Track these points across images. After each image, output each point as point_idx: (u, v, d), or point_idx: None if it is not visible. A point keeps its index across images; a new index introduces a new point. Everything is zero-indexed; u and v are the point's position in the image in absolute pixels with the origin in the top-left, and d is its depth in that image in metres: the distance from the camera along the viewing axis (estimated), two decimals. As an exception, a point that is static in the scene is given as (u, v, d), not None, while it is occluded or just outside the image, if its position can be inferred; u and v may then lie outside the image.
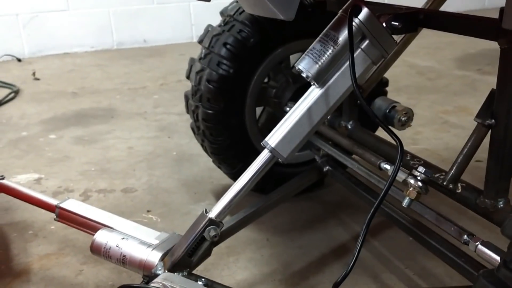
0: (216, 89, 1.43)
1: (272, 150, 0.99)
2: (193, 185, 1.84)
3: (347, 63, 0.93)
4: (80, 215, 1.15)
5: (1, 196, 1.59)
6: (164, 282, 0.93)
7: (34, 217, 1.60)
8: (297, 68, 0.96)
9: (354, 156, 1.35)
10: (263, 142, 1.02)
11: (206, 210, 1.03)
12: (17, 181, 1.87)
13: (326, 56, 0.93)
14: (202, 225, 1.00)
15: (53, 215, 1.19)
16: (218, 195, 1.76)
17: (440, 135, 2.24)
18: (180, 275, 0.99)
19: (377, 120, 0.86)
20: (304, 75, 0.95)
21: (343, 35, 0.93)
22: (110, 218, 1.15)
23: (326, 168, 1.44)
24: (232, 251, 1.42)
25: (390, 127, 1.30)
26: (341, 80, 0.95)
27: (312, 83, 0.98)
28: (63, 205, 1.17)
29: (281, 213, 1.59)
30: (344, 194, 1.71)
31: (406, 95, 2.81)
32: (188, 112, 1.62)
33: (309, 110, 0.98)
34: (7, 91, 3.07)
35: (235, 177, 1.65)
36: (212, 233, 1.00)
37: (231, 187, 1.04)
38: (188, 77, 1.57)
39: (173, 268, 1.00)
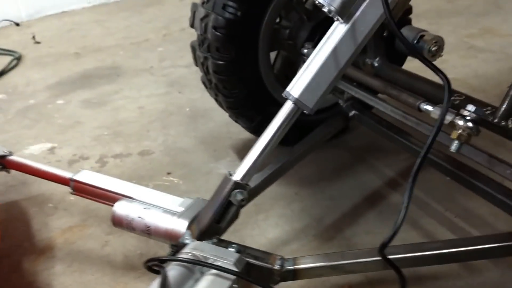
0: (224, 36, 1.30)
1: (296, 101, 0.89)
2: (211, 142, 1.76)
3: (376, -10, 0.80)
4: (97, 187, 1.08)
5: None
6: (194, 252, 0.87)
7: (52, 189, 1.54)
8: (317, 1, 0.83)
9: (381, 96, 1.23)
10: (284, 93, 0.91)
11: (230, 173, 0.94)
12: (30, 152, 1.81)
13: (351, -15, 0.80)
14: (227, 190, 0.92)
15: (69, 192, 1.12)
16: (239, 151, 1.68)
17: (467, 61, 2.08)
18: (210, 243, 0.93)
19: (417, 54, 0.74)
20: (326, 9, 0.83)
21: (370, -42, 0.79)
22: (129, 187, 1.08)
23: (352, 112, 1.33)
24: (260, 208, 1.35)
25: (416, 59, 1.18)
26: (369, 11, 0.82)
27: (335, 19, 0.85)
28: (77, 177, 1.10)
29: (306, 164, 1.50)
30: (371, 137, 1.61)
31: (426, 21, 2.61)
32: (197, 65, 1.50)
33: (335, 51, 0.86)
34: (9, 58, 2.96)
35: (254, 130, 1.56)
36: (239, 197, 0.92)
37: (254, 146, 0.95)
38: (192, 25, 1.44)
39: (201, 236, 0.93)
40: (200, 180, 1.53)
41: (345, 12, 0.83)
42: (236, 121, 1.56)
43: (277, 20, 1.44)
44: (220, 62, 1.34)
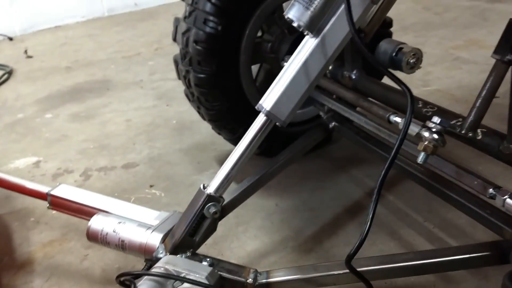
0: (205, 50, 1.31)
1: (268, 114, 0.90)
2: (196, 154, 1.76)
3: (343, 6, 0.81)
4: (73, 201, 1.08)
5: None
6: (166, 266, 0.87)
7: (35, 203, 1.53)
8: (286, 17, 0.84)
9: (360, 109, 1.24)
10: (257, 105, 0.92)
11: (203, 186, 0.95)
12: (16, 166, 1.81)
13: (318, 0, 0.81)
14: (200, 203, 0.92)
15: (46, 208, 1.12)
16: (223, 163, 1.68)
17: (452, 73, 2.10)
18: (183, 257, 0.93)
19: (381, 68, 0.75)
20: (295, 24, 0.84)
21: (335, -27, 0.80)
22: (106, 201, 1.08)
23: (332, 124, 1.34)
24: (240, 220, 1.35)
25: (398, 71, 1.19)
26: (338, 26, 0.83)
27: (305, 33, 0.87)
28: (54, 192, 1.10)
29: (289, 174, 1.51)
30: (352, 148, 1.62)
31: (413, 33, 2.64)
32: (179, 78, 1.52)
33: (305, 64, 0.87)
34: (0, 72, 2.98)
35: (237, 142, 1.55)
36: (212, 209, 0.92)
37: (228, 159, 0.96)
38: (174, 39, 1.45)
39: (175, 250, 0.93)
40: (183, 193, 1.53)
41: (314, 27, 0.84)
42: (219, 133, 1.57)
43: (259, 33, 1.46)
44: (201, 76, 1.35)
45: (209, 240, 1.01)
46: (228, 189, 0.96)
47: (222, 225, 0.99)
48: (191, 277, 0.84)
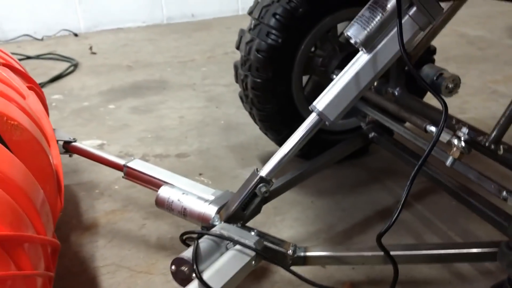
0: (265, 58, 1.50)
1: (320, 114, 1.06)
2: (240, 151, 1.94)
3: (395, 29, 0.98)
4: (145, 173, 1.27)
5: (71, 159, 1.76)
6: (222, 231, 1.04)
7: (100, 178, 1.76)
8: (346, 34, 1.02)
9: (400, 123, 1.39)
10: (311, 106, 1.09)
11: (257, 169, 1.12)
12: (82, 146, 2.04)
13: (374, 22, 0.98)
14: (254, 182, 1.09)
15: (117, 176, 1.32)
16: (264, 161, 1.85)
17: (488, 104, 2.21)
18: (235, 226, 1.09)
19: (423, 81, 0.91)
20: (352, 41, 1.01)
21: (392, 2, 0.97)
22: (171, 176, 1.26)
23: (372, 134, 1.49)
24: (278, 211, 1.51)
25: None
26: (388, 46, 1.00)
27: (360, 49, 1.03)
28: (130, 164, 1.29)
29: (325, 178, 1.66)
30: (388, 161, 1.76)
31: (455, 64, 2.76)
32: (237, 82, 1.71)
33: (357, 75, 1.04)
34: (66, 64, 3.28)
35: (281, 143, 1.73)
36: (263, 189, 1.09)
37: (280, 149, 1.12)
38: (238, 47, 1.65)
39: (228, 219, 1.10)
40: (227, 183, 1.71)
41: (368, 45, 1.01)
42: (265, 133, 1.75)
43: (313, 49, 1.64)
44: (258, 80, 1.54)
45: (250, 223, 1.17)
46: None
47: (261, 213, 1.14)
48: (241, 241, 1.01)
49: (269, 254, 1.05)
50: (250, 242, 1.01)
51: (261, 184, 1.09)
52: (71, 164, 1.85)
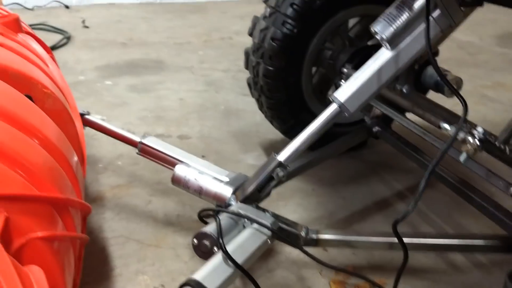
0: (279, 47, 1.54)
1: (341, 105, 1.11)
2: (241, 137, 1.98)
3: (419, 28, 1.03)
4: (160, 151, 1.30)
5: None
6: (239, 210, 1.08)
7: (102, 154, 1.77)
8: (372, 30, 1.07)
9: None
10: (331, 96, 1.14)
11: (275, 154, 1.16)
12: (82, 120, 2.03)
13: (401, 21, 1.03)
14: (272, 166, 1.14)
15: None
16: (265, 148, 1.90)
17: (478, 107, 2.32)
18: (251, 206, 1.14)
19: (445, 81, 0.97)
20: (378, 37, 1.06)
21: (419, 3, 1.02)
22: (185, 155, 1.29)
23: (376, 128, 1.56)
24: (281, 197, 1.56)
25: (440, 93, 1.41)
26: (412, 44, 1.05)
27: (383, 45, 1.08)
28: (145, 141, 1.32)
29: (325, 168, 1.72)
30: (385, 155, 1.83)
31: (446, 67, 2.85)
32: (247, 68, 1.74)
33: (379, 70, 1.09)
34: (59, 36, 3.22)
35: (285, 131, 1.79)
36: (281, 173, 1.14)
37: (298, 136, 1.17)
38: (251, 34, 1.68)
39: (245, 200, 1.14)
40: (230, 167, 1.72)
41: (393, 41, 1.06)
42: (270, 121, 1.79)
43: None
44: (271, 68, 1.57)
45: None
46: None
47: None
48: (259, 220, 1.06)
49: (284, 234, 1.10)
50: (267, 222, 1.06)
51: (278, 168, 1.14)
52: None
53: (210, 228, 0.98)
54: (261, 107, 1.77)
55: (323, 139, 1.62)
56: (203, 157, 1.80)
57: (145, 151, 1.31)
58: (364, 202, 1.55)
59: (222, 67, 2.78)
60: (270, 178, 1.15)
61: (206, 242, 0.97)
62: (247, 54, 1.71)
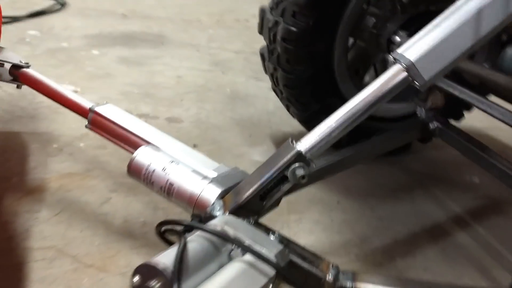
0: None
1: (410, 67, 0.67)
2: (248, 126, 1.55)
3: None
4: (119, 125, 0.86)
5: (29, 101, 1.34)
6: (225, 227, 0.64)
7: (62, 131, 1.34)
8: None
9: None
10: (394, 53, 0.70)
11: (292, 141, 0.72)
12: (49, 90, 1.62)
13: None
14: (286, 160, 0.69)
15: (86, 131, 0.91)
16: (278, 143, 1.47)
17: None
18: (246, 222, 0.70)
19: None
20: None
21: None
22: (158, 135, 0.86)
23: (434, 124, 1.10)
24: (293, 208, 1.12)
25: None
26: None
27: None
28: (99, 109, 0.89)
29: (355, 174, 1.28)
30: (433, 164, 1.39)
31: None
32: (260, 32, 1.30)
33: (478, 14, 0.65)
34: (52, 1, 2.82)
35: (306, 121, 1.34)
36: (299, 172, 0.69)
37: (333, 115, 0.73)
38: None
39: (237, 211, 0.71)
40: (229, 162, 1.28)
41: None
42: (286, 106, 1.35)
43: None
44: (293, 29, 1.13)
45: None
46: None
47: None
48: (256, 249, 0.62)
49: (296, 275, 0.66)
50: (270, 253, 0.62)
51: (297, 164, 0.69)
52: (29, 108, 1.43)
53: (165, 258, 0.55)
54: (275, 86, 1.33)
55: (355, 136, 1.20)
56: (194, 146, 1.37)
57: (98, 124, 0.88)
58: (410, 227, 1.10)
59: (233, 48, 2.35)
60: (282, 178, 0.71)
61: (155, 284, 0.53)
62: (262, 12, 1.28)
